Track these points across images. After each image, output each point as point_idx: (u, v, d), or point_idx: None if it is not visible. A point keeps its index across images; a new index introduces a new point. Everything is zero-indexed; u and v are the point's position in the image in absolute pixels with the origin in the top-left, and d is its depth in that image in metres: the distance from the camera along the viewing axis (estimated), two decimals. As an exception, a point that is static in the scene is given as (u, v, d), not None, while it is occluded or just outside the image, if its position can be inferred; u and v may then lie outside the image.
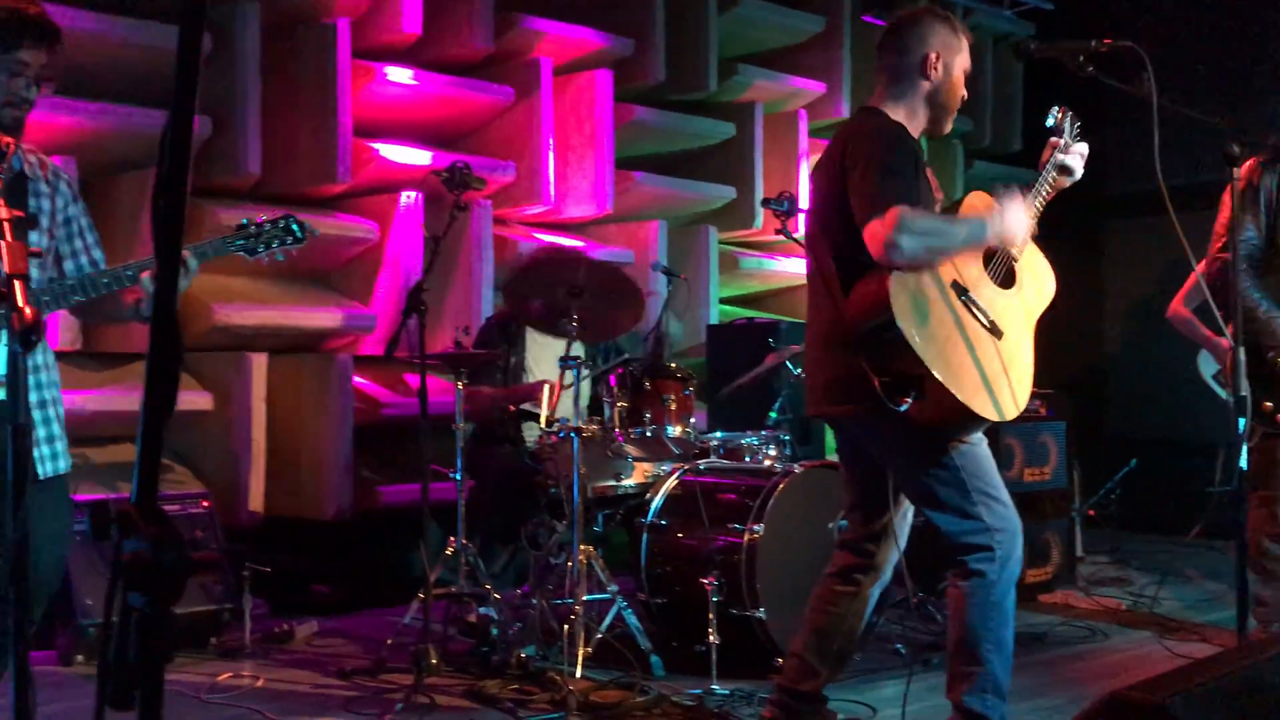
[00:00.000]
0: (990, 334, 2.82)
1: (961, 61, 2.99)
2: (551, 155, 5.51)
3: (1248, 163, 3.94)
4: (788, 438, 4.52)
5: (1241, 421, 2.62)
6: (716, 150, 6.38)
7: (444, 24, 5.36)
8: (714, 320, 6.20)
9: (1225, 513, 2.81)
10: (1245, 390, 2.62)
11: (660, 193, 6.07)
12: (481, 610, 3.96)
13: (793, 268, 6.59)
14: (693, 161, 6.37)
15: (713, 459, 4.32)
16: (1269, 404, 3.79)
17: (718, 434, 4.47)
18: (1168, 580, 5.52)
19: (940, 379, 2.65)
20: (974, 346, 2.77)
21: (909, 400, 2.69)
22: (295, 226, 2.74)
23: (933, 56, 2.94)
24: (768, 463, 4.32)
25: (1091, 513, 6.07)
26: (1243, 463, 2.61)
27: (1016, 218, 2.84)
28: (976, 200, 2.98)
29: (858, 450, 3.06)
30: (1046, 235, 3.02)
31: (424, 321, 3.79)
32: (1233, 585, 3.58)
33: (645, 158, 6.13)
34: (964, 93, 3.02)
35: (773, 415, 4.60)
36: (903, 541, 3.12)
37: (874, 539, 3.09)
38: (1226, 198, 3.94)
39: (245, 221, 2.71)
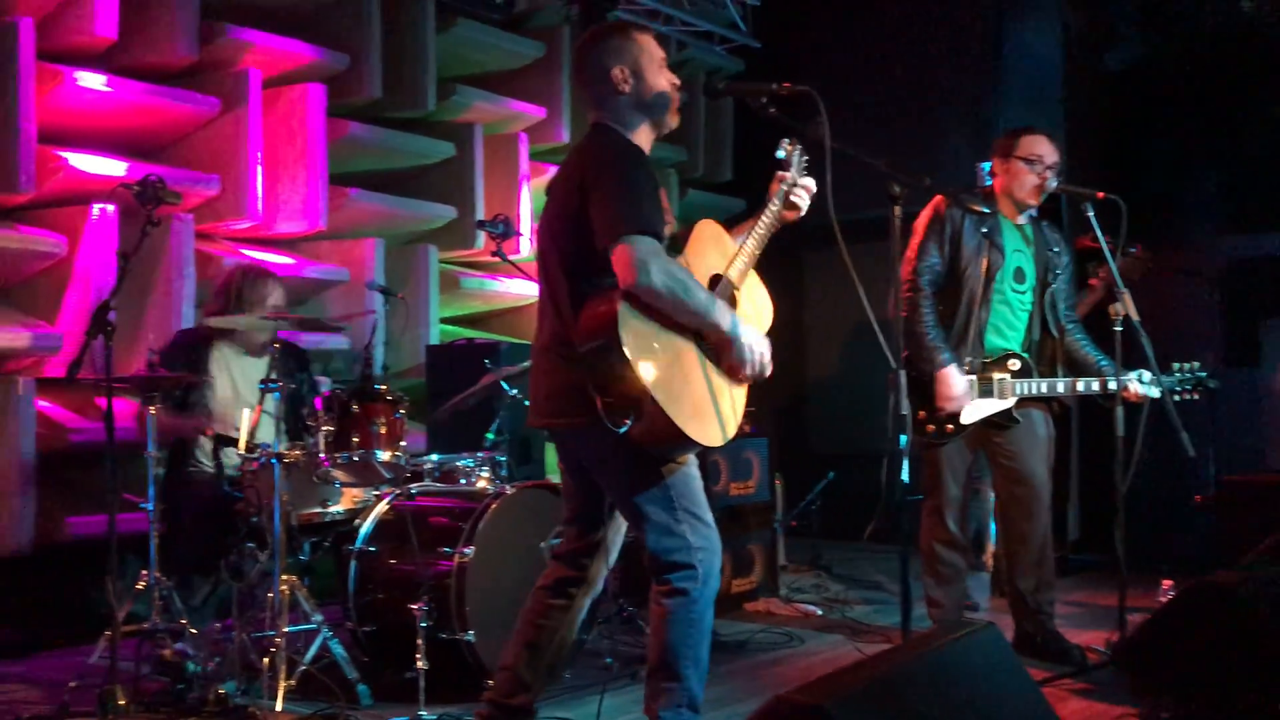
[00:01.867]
0: (710, 360, 2.91)
1: (647, 58, 3.00)
2: (260, 169, 5.32)
3: (937, 197, 4.32)
4: (504, 458, 4.53)
5: (903, 438, 2.85)
6: (437, 170, 6.35)
7: (143, 29, 5.08)
8: (434, 340, 6.15)
9: (890, 521, 3.06)
10: (906, 409, 2.86)
11: (377, 210, 5.98)
12: (177, 646, 3.76)
13: (515, 288, 6.64)
14: (413, 181, 6.31)
15: (426, 482, 4.29)
16: (922, 412, 4.17)
17: (434, 456, 4.44)
18: (859, 586, 5.93)
19: (660, 403, 2.71)
20: (694, 372, 2.86)
21: (629, 422, 2.75)
22: None
23: (616, 73, 2.98)
24: (481, 484, 4.33)
25: (794, 524, 6.43)
26: (904, 475, 2.83)
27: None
28: (706, 229, 3.06)
29: (579, 463, 3.10)
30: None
31: (110, 341, 3.57)
32: (915, 589, 3.90)
33: (363, 175, 6.02)
34: (671, 79, 3.02)
35: (489, 436, 4.61)
36: (614, 555, 3.19)
37: (589, 552, 3.14)
38: (917, 225, 4.32)
39: None
